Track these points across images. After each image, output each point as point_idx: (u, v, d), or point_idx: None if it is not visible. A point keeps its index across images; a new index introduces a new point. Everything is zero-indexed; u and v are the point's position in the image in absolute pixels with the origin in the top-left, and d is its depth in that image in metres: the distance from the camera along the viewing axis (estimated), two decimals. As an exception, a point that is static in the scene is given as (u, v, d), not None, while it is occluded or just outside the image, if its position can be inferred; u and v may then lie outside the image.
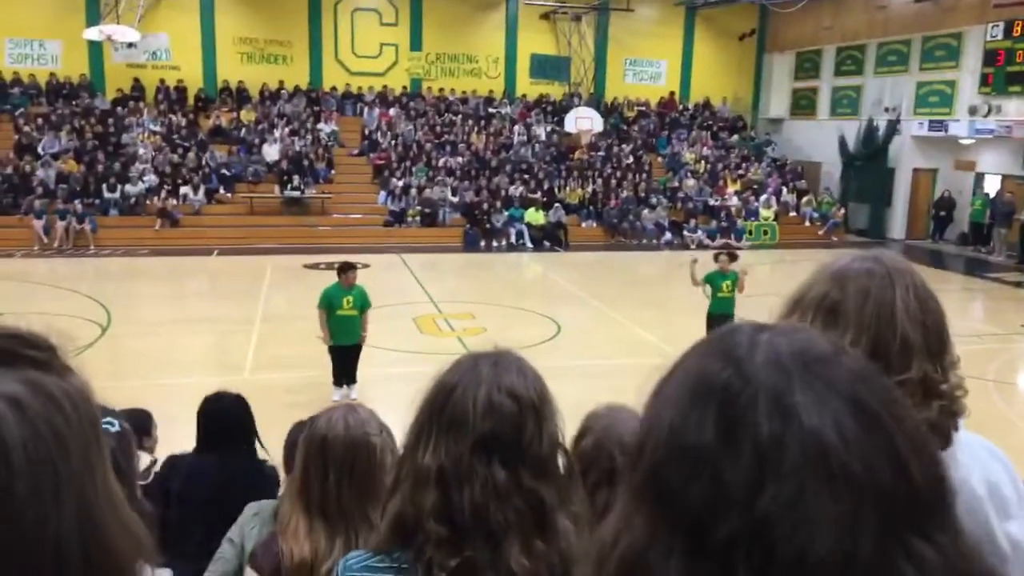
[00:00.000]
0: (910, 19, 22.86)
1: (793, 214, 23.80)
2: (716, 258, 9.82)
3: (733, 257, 9.75)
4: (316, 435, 2.13)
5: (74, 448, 0.60)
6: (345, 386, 8.79)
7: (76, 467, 0.60)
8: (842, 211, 23.50)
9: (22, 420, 0.57)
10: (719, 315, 9.61)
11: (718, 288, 9.73)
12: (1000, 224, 20.27)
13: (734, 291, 9.66)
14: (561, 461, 1.38)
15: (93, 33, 21.18)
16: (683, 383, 0.66)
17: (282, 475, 3.94)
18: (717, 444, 0.61)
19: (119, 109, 23.21)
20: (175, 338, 11.13)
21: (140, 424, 3.46)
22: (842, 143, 24.21)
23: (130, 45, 22.98)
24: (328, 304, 8.54)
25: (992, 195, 21.03)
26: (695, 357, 0.69)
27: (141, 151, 21.72)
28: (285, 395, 8.66)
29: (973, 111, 20.69)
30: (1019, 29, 19.47)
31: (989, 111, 20.34)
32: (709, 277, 9.78)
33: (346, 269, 8.63)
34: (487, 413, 1.33)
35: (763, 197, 23.53)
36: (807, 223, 23.47)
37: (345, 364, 8.73)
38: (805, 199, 24.12)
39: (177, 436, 4.04)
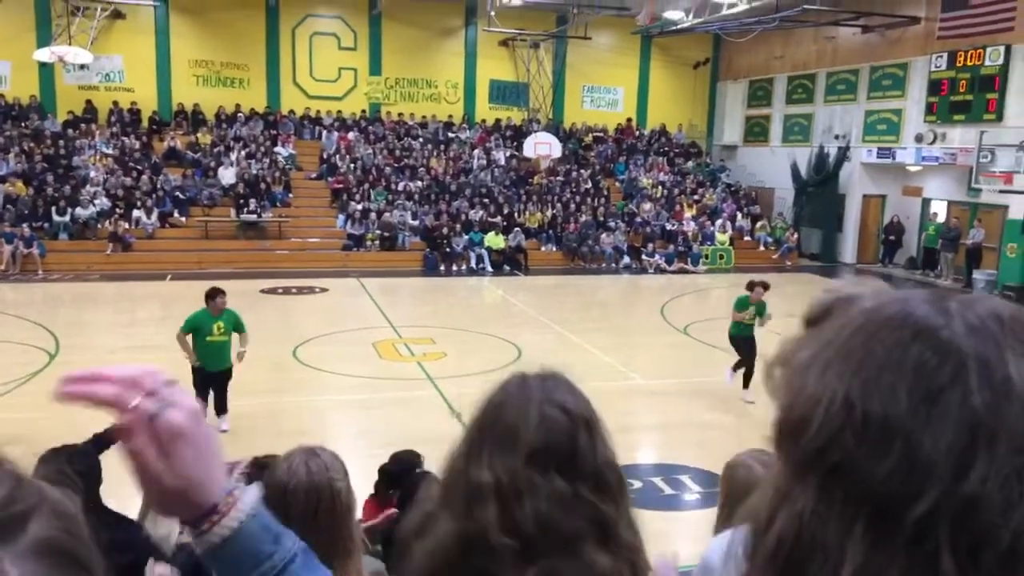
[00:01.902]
0: (857, 50, 23.57)
1: (748, 239, 24.21)
2: (751, 288, 9.93)
3: (766, 288, 9.96)
4: (276, 484, 1.98)
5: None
6: (217, 417, 8.38)
7: None
8: (795, 236, 23.98)
9: None
10: (741, 336, 9.86)
11: (744, 311, 9.91)
12: (947, 249, 20.85)
13: (754, 319, 9.86)
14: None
15: (44, 54, 20.82)
16: (859, 352, 0.60)
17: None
18: (914, 415, 0.55)
19: (70, 131, 22.77)
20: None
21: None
22: (794, 169, 24.76)
23: (82, 67, 22.63)
24: (193, 329, 8.19)
25: (941, 221, 21.65)
26: (872, 324, 0.61)
27: (93, 174, 21.30)
28: (247, 421, 8.50)
29: (919, 139, 21.34)
30: (962, 60, 20.19)
31: (935, 139, 21.00)
32: (741, 302, 9.92)
33: (214, 295, 8.25)
34: (539, 426, 1.32)
35: (719, 222, 23.92)
36: (762, 247, 23.90)
37: (210, 390, 8.31)
38: (759, 224, 24.57)
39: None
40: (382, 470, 4.69)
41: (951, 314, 0.59)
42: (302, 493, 1.97)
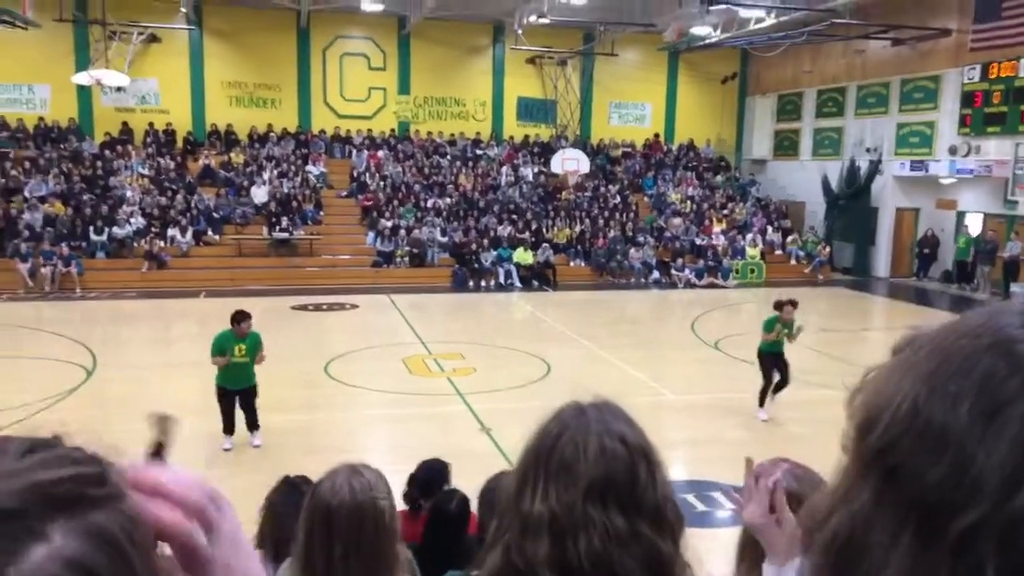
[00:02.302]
0: (888, 63, 23.36)
1: (779, 252, 24.01)
2: (780, 307, 9.76)
3: (795, 306, 9.83)
4: (320, 504, 1.96)
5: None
6: (249, 433, 8.50)
7: None
8: (827, 249, 23.73)
9: None
10: (771, 353, 9.72)
11: (772, 331, 9.72)
12: (983, 262, 20.50)
13: (783, 337, 9.72)
14: (671, 512, 1.33)
15: (82, 78, 21.33)
16: (936, 358, 0.60)
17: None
18: (971, 428, 0.55)
19: (107, 152, 23.28)
20: (162, 382, 11.03)
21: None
22: (825, 183, 24.54)
23: (119, 89, 23.16)
24: (220, 352, 8.27)
25: (975, 234, 21.31)
26: (954, 334, 0.61)
27: (129, 194, 21.74)
28: (278, 437, 8.58)
29: (953, 151, 21.06)
30: (995, 71, 19.93)
31: (968, 151, 20.71)
32: (769, 323, 9.75)
33: (239, 320, 8.30)
34: (598, 458, 1.28)
35: (749, 236, 23.75)
36: (793, 261, 23.68)
37: (234, 409, 8.39)
38: (790, 238, 24.36)
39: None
40: (411, 478, 4.71)
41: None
42: (346, 513, 1.95)
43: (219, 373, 8.36)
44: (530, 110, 27.74)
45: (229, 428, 8.36)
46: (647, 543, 1.26)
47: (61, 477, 0.52)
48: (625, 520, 1.26)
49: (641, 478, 1.29)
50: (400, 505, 4.66)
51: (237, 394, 8.40)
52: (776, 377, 9.76)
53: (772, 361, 9.70)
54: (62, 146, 23.11)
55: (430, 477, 4.58)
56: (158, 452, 3.95)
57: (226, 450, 8.31)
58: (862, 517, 0.59)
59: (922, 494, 0.56)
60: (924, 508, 0.55)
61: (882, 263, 23.76)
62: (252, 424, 8.52)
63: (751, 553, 2.11)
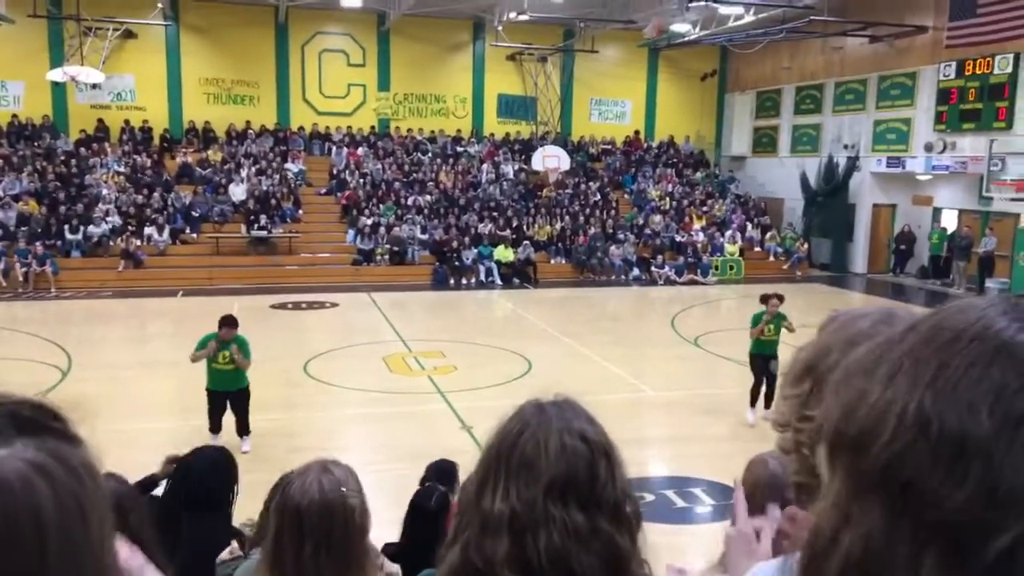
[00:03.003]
0: (866, 59, 23.56)
1: (758, 249, 24.15)
2: (766, 301, 9.52)
3: (781, 300, 9.65)
4: (289, 502, 1.97)
5: (93, 518, 0.61)
6: (239, 438, 8.28)
7: (95, 536, 0.61)
8: (805, 246, 23.90)
9: (51, 488, 0.58)
10: (760, 355, 9.42)
11: (757, 326, 9.47)
12: (959, 257, 20.73)
13: (778, 334, 9.50)
14: (630, 508, 1.34)
15: (57, 75, 21.04)
16: (932, 362, 0.56)
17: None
18: (995, 439, 0.51)
19: (82, 150, 22.98)
20: (138, 382, 10.91)
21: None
22: (803, 180, 24.71)
23: (94, 86, 22.86)
24: (202, 348, 8.19)
25: (950, 230, 21.55)
26: (941, 334, 0.58)
27: (104, 192, 21.48)
28: (258, 437, 8.50)
29: (929, 148, 21.28)
30: (970, 68, 20.15)
31: (944, 148, 20.93)
32: (756, 318, 9.53)
33: (224, 324, 8.18)
34: (559, 455, 1.29)
35: (728, 233, 23.87)
36: (771, 258, 23.82)
37: (223, 411, 8.26)
38: (769, 234, 24.51)
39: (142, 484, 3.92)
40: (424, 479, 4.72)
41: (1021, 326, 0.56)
42: (315, 511, 1.95)
43: (207, 377, 8.25)
44: (510, 107, 27.72)
45: (215, 427, 8.24)
46: (606, 539, 1.27)
47: (28, 404, 0.61)
48: (585, 517, 1.27)
49: (601, 475, 1.30)
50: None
51: (227, 397, 8.27)
52: (764, 386, 9.40)
53: (762, 363, 9.45)
54: (36, 144, 22.78)
55: (440, 477, 4.61)
56: (149, 484, 3.92)
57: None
58: (877, 539, 0.54)
59: (948, 513, 0.51)
60: (951, 529, 0.51)
61: (859, 259, 23.97)
62: (242, 429, 8.36)
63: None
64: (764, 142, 28.06)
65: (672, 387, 11.32)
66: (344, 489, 2.00)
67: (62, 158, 22.38)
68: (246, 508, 3.94)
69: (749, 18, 21.22)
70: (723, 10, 21.41)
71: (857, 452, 0.57)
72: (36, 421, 0.61)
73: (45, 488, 0.57)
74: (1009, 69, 19.17)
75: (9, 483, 0.55)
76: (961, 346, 0.56)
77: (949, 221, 21.86)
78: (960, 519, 0.51)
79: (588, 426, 1.34)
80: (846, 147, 24.05)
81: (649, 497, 7.34)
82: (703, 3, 20.27)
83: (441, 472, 4.66)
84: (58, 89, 23.18)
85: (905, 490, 0.53)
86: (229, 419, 8.41)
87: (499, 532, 1.26)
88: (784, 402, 1.21)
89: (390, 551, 4.01)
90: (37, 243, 19.07)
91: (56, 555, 0.57)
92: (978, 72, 19.97)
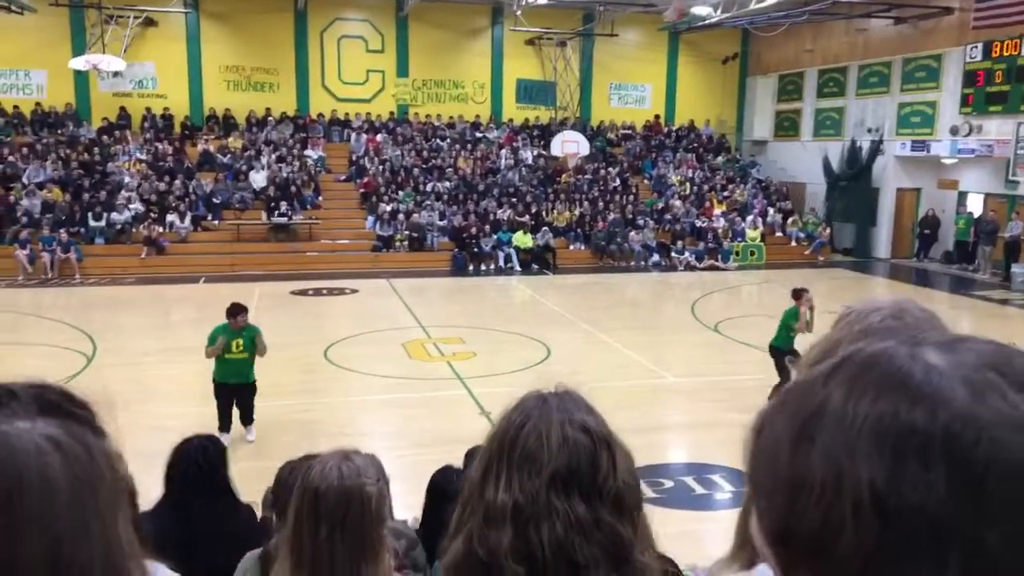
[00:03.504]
0: (890, 42, 23.19)
1: (779, 234, 23.93)
2: (799, 297, 9.21)
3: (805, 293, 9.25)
4: (309, 487, 2.02)
5: (104, 497, 0.64)
6: (243, 427, 8.28)
7: (107, 520, 0.64)
8: (828, 231, 23.65)
9: (63, 460, 0.61)
10: (783, 349, 9.15)
11: (790, 326, 9.16)
12: (984, 242, 20.44)
13: (807, 330, 9.25)
14: (631, 497, 1.35)
15: (79, 63, 21.19)
16: (861, 432, 0.51)
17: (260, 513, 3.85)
18: (962, 508, 0.47)
19: (105, 138, 23.17)
20: (162, 368, 11.03)
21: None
22: (826, 164, 24.43)
23: (116, 74, 23.02)
24: (212, 342, 8.05)
25: (976, 214, 21.24)
26: (864, 385, 0.53)
27: (127, 179, 21.67)
28: (277, 423, 8.58)
29: (954, 131, 20.94)
30: (998, 50, 19.78)
31: (970, 131, 20.60)
32: (791, 314, 9.19)
33: (235, 312, 8.01)
34: (561, 447, 1.29)
35: (749, 218, 23.66)
36: (793, 243, 23.61)
37: (231, 406, 8.17)
38: (791, 219, 24.28)
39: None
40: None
41: (942, 373, 0.51)
42: (332, 497, 1.99)
43: (216, 368, 8.15)
44: (529, 92, 27.57)
45: (225, 426, 8.09)
46: (608, 529, 1.28)
47: (56, 390, 0.66)
48: (587, 508, 1.27)
49: (603, 466, 1.30)
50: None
51: (234, 391, 8.17)
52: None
53: (780, 357, 9.29)
54: (59, 132, 23.00)
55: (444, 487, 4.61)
56: None
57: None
58: None
59: None
60: None
61: (883, 244, 23.69)
62: (246, 419, 8.34)
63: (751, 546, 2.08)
64: (786, 126, 27.75)
65: (692, 373, 11.27)
66: (363, 477, 2.04)
67: (85, 146, 22.59)
68: (260, 492, 3.99)
69: (771, 0, 20.93)
70: (745, -8, 21.15)
71: (819, 555, 0.51)
72: (61, 406, 0.65)
73: (59, 461, 0.60)
74: (1038, 50, 18.80)
75: (25, 451, 0.58)
76: (885, 401, 0.51)
77: (975, 205, 21.53)
78: None
79: (589, 417, 1.35)
80: (870, 131, 23.73)
81: (668, 484, 7.33)
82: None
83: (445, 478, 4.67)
84: (80, 77, 23.37)
85: None
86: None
87: (502, 523, 1.27)
88: None
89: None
90: (61, 230, 19.30)
91: (64, 527, 0.59)
92: (1005, 54, 19.59)
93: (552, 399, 1.37)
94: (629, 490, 1.33)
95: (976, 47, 20.36)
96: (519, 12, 24.39)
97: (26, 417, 0.62)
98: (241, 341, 8.05)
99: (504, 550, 1.26)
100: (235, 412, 8.32)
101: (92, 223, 20.11)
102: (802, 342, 8.99)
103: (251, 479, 4.39)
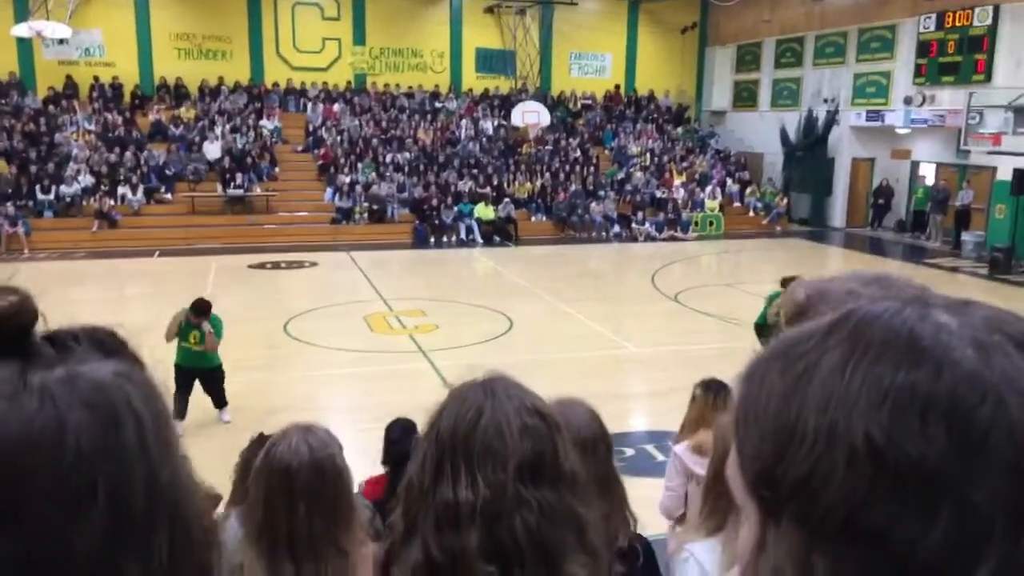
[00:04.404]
0: (846, 12, 23.39)
1: (737, 204, 24.19)
2: (785, 284, 9.40)
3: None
4: (278, 465, 1.97)
5: (172, 428, 0.69)
6: (216, 410, 8.12)
7: (176, 445, 0.68)
8: (785, 201, 23.96)
9: (139, 393, 0.66)
10: (768, 325, 9.31)
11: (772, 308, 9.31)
12: (936, 211, 20.89)
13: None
14: (582, 477, 1.33)
15: (22, 30, 20.41)
16: (867, 380, 0.51)
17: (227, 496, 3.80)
18: (960, 466, 0.47)
19: (51, 108, 22.44)
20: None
21: None
22: (783, 134, 24.67)
23: (61, 41, 22.23)
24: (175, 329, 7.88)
25: (928, 183, 21.66)
26: (868, 345, 0.52)
27: (76, 151, 21.03)
28: (238, 398, 8.47)
29: (908, 101, 21.27)
30: (950, 21, 20.06)
31: (923, 101, 20.93)
32: (772, 299, 8.98)
33: (200, 310, 7.86)
34: (523, 435, 1.26)
35: (708, 188, 23.85)
36: (751, 213, 23.88)
37: (189, 391, 7.84)
38: (749, 190, 24.53)
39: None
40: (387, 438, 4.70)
41: (951, 333, 0.51)
42: (306, 472, 1.97)
43: (178, 352, 7.88)
44: (489, 61, 27.31)
45: (180, 412, 7.66)
46: (572, 511, 1.27)
47: (102, 330, 0.73)
48: (555, 493, 1.26)
49: (561, 448, 1.29)
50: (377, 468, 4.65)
51: (197, 376, 7.92)
52: None
53: (765, 335, 9.24)
54: (3, 101, 22.19)
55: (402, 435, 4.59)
56: None
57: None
58: None
59: (925, 557, 0.48)
60: (929, 572, 0.48)
61: (838, 213, 24.09)
62: (219, 402, 8.16)
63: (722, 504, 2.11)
64: (744, 96, 27.92)
65: (653, 343, 11.38)
66: (330, 448, 2.03)
67: (30, 116, 21.85)
68: (227, 470, 3.93)
69: (730, -31, 20.96)
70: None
71: (805, 500, 0.51)
72: (114, 344, 0.71)
73: (137, 394, 0.65)
74: (988, 21, 19.11)
75: (107, 384, 0.63)
76: (889, 359, 0.51)
77: (927, 175, 21.96)
78: (938, 560, 0.48)
79: (538, 401, 1.33)
80: (826, 101, 23.99)
81: (630, 452, 7.43)
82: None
83: (405, 431, 4.68)
84: (23, 45, 22.51)
85: (874, 538, 0.49)
86: (203, 399, 8.21)
87: (466, 523, 1.22)
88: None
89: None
90: (8, 204, 18.70)
91: (156, 455, 0.64)
92: (958, 24, 19.89)
93: (497, 387, 1.32)
94: (580, 469, 1.32)
95: (930, 17, 20.63)
96: (478, -20, 24.07)
97: (95, 357, 0.67)
98: (198, 334, 7.85)
99: (472, 552, 1.21)
100: (204, 401, 8.08)
101: (40, 196, 19.53)
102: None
103: (216, 458, 4.33)
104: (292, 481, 1.95)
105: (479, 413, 1.28)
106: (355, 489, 3.53)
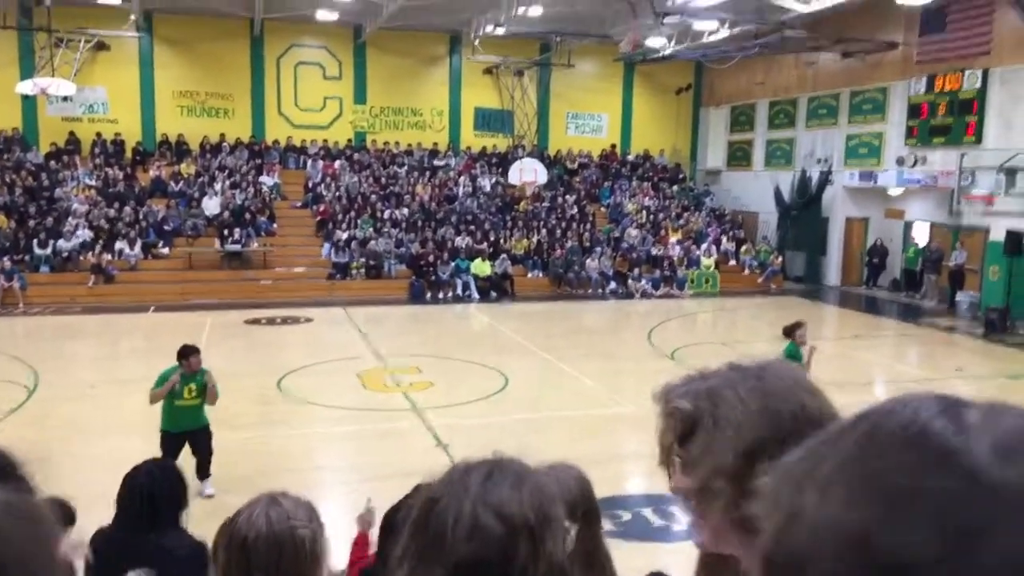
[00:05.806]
0: (838, 75, 23.86)
1: (733, 262, 24.29)
2: (791, 333, 8.68)
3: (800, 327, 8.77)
4: (236, 537, 1.95)
5: (52, 554, 0.67)
6: (199, 481, 7.42)
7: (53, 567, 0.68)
8: (780, 259, 24.08)
9: (18, 525, 0.65)
10: None
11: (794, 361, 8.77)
12: (930, 271, 20.98)
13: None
14: None
15: (27, 87, 20.76)
16: (867, 470, 0.51)
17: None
18: (945, 560, 0.47)
19: (53, 163, 22.65)
20: (109, 400, 10.69)
21: (70, 515, 3.16)
22: (777, 193, 24.93)
23: (65, 98, 22.58)
24: (162, 385, 7.42)
25: (922, 243, 21.81)
26: (879, 437, 0.52)
27: (75, 205, 21.16)
28: (230, 456, 8.33)
29: (900, 162, 21.54)
30: (940, 84, 20.46)
31: (915, 162, 21.20)
32: (790, 352, 8.51)
33: (187, 353, 7.43)
34: (470, 534, 1.12)
35: (703, 246, 23.99)
36: (747, 271, 23.96)
37: (176, 457, 7.11)
38: (744, 248, 24.67)
39: (112, 509, 3.80)
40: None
41: (972, 430, 0.50)
42: (262, 544, 1.93)
43: (164, 417, 7.45)
44: (487, 120, 27.75)
45: None
46: None
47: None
48: None
49: (519, 557, 1.13)
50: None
51: (186, 438, 7.47)
52: None
53: None
54: (5, 156, 22.42)
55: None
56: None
57: None
58: None
59: None
60: None
61: (833, 272, 24.19)
62: (203, 472, 7.57)
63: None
64: (739, 156, 28.30)
65: (649, 402, 11.23)
66: (292, 520, 1.98)
67: (31, 171, 22.04)
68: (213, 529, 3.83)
69: (723, 33, 21.41)
70: (697, 25, 21.59)
71: None
72: (5, 469, 0.71)
73: (15, 526, 0.64)
74: (978, 84, 19.49)
75: None
76: (896, 452, 0.51)
77: (921, 234, 22.12)
78: None
79: (512, 496, 1.17)
80: (819, 161, 24.31)
81: (626, 516, 7.29)
82: (677, 18, 20.44)
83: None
84: (28, 101, 22.86)
85: None
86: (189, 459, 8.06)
87: None
88: None
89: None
90: (5, 258, 18.73)
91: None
92: (948, 88, 20.28)
93: (475, 473, 1.19)
94: (563, 573, 1.17)
95: (920, 80, 21.05)
96: (477, 42, 24.60)
97: None
98: (194, 387, 7.49)
99: None
100: (192, 462, 7.66)
101: (37, 251, 19.57)
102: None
103: (204, 517, 4.23)
104: (248, 554, 1.93)
105: (437, 499, 1.17)
106: (341, 553, 3.44)
